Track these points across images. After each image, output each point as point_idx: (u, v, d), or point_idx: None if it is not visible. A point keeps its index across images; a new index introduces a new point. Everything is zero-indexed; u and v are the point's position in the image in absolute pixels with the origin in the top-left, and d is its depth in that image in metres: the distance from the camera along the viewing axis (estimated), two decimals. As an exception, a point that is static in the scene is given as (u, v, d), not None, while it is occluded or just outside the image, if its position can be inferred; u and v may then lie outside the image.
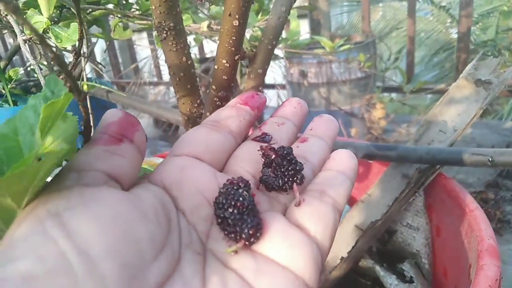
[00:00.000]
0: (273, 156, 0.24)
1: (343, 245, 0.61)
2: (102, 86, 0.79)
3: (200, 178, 0.24)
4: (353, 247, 0.59)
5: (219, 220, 0.22)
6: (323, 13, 1.73)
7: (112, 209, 0.18)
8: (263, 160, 0.25)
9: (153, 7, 0.39)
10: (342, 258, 0.59)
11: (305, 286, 0.21)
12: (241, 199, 0.21)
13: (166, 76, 2.36)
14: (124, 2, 0.73)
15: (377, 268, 0.60)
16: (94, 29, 0.81)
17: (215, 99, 0.32)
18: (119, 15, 0.70)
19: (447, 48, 3.73)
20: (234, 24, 0.28)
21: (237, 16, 0.28)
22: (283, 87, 2.05)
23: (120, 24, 0.78)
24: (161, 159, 0.78)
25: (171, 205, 0.22)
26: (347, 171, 0.27)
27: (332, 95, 1.71)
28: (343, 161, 0.27)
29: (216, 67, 0.30)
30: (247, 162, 0.27)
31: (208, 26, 0.65)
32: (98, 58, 2.52)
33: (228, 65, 0.30)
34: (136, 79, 2.21)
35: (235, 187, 0.22)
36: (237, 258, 0.21)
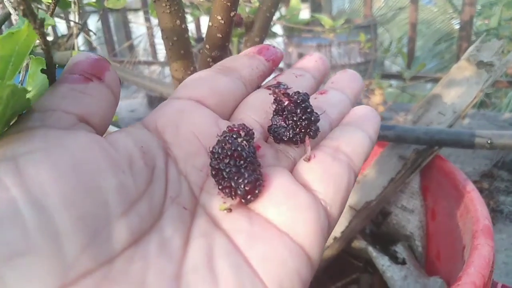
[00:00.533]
0: (286, 103, 0.21)
1: (336, 224, 0.60)
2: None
3: (199, 123, 0.21)
4: (346, 227, 0.58)
5: (214, 172, 0.19)
6: (324, -5, 1.70)
7: (76, 155, 0.16)
8: (274, 106, 0.22)
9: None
10: (335, 238, 0.59)
11: (305, 257, 0.18)
12: (239, 149, 0.19)
13: (161, 55, 2.32)
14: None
15: (370, 249, 0.60)
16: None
17: (208, 59, 0.31)
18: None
19: (447, 38, 3.70)
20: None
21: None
22: (280, 70, 2.03)
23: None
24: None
25: (159, 152, 0.20)
26: (368, 128, 0.24)
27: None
28: (365, 116, 0.25)
29: (210, 24, 0.29)
30: (257, 110, 0.24)
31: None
32: (92, 36, 2.47)
33: (223, 22, 0.28)
34: (131, 58, 2.18)
35: (234, 136, 0.19)
36: (230, 217, 0.19)
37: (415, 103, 2.24)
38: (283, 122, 0.22)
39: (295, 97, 0.21)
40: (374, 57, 0.97)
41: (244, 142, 0.19)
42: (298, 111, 0.21)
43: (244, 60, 0.26)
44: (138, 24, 2.27)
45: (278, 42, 1.54)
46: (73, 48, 0.74)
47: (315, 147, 0.22)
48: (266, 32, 0.46)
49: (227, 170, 0.18)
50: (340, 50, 1.51)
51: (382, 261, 0.56)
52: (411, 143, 0.59)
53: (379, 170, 0.62)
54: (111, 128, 0.76)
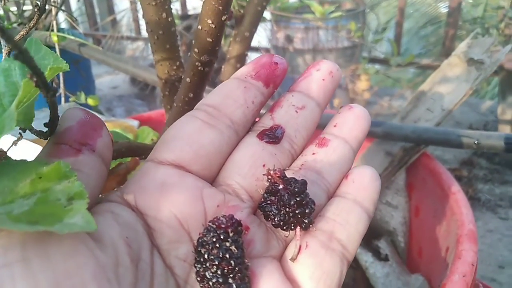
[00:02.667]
0: (281, 187, 0.19)
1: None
2: (75, 39, 0.74)
3: (181, 203, 0.19)
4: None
5: (199, 278, 0.18)
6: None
7: (57, 268, 0.14)
8: (268, 182, 0.20)
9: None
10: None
11: None
12: (227, 256, 0.17)
13: (145, 31, 2.25)
14: None
15: (353, 244, 0.60)
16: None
17: (197, 63, 0.29)
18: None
19: (434, 22, 3.70)
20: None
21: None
22: (267, 51, 2.00)
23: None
24: (135, 122, 0.74)
25: (144, 241, 0.18)
26: (365, 202, 0.22)
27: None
28: (363, 186, 0.22)
29: (199, 27, 0.27)
30: (246, 174, 0.21)
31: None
32: (73, 7, 2.37)
33: (213, 26, 0.26)
34: (113, 33, 2.10)
35: (222, 236, 0.17)
36: None
37: (399, 87, 2.25)
38: (275, 206, 0.20)
39: (291, 186, 0.19)
40: (362, 42, 0.96)
41: (233, 246, 0.17)
42: (292, 202, 0.19)
43: (237, 94, 0.22)
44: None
45: (265, 24, 1.50)
46: (52, 29, 0.71)
47: (308, 229, 0.21)
48: (256, 26, 0.44)
49: (213, 280, 0.17)
50: (328, 37, 1.49)
51: (366, 257, 0.56)
52: (398, 141, 0.58)
53: (366, 165, 0.62)
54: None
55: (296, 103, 0.24)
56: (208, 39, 0.27)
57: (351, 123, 0.24)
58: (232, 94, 0.23)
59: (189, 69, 0.30)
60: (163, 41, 0.39)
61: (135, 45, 2.23)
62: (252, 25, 0.43)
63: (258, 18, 0.43)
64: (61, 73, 0.76)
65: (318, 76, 0.24)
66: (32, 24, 0.27)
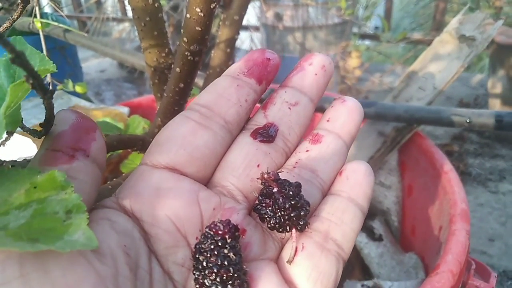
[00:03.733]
0: (275, 190, 0.19)
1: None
2: (59, 25, 0.71)
3: (177, 206, 0.19)
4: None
5: (197, 285, 0.18)
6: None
7: (56, 283, 0.14)
8: (262, 185, 0.20)
9: None
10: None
11: None
12: (226, 263, 0.17)
13: (131, 12, 2.19)
14: None
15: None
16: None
17: (186, 53, 0.28)
18: None
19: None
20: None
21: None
22: (256, 29, 1.96)
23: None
24: (125, 108, 0.73)
25: (142, 248, 0.18)
26: (360, 199, 0.22)
27: (307, 41, 1.65)
28: (358, 182, 0.22)
29: (188, 16, 0.26)
30: (240, 174, 0.21)
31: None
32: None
33: (202, 14, 0.25)
34: (99, 14, 2.04)
35: (219, 243, 0.17)
36: None
37: (390, 63, 2.23)
38: (270, 208, 0.20)
39: (285, 189, 0.19)
40: (352, 20, 0.95)
41: (231, 253, 0.17)
42: (287, 206, 0.19)
43: (230, 93, 0.22)
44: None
45: (255, 3, 1.47)
46: (35, 15, 0.68)
47: (304, 230, 0.21)
48: (246, 9, 0.43)
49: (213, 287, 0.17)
50: (318, 14, 1.46)
51: (360, 238, 0.57)
52: (391, 121, 0.58)
53: (358, 146, 0.62)
54: (84, 103, 0.71)
55: (289, 100, 0.23)
56: (197, 28, 0.26)
57: (344, 117, 0.24)
58: (225, 93, 0.22)
59: (179, 59, 0.29)
60: (151, 28, 0.38)
61: (121, 27, 2.17)
62: (241, 8, 0.42)
63: (247, 1, 0.42)
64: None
65: (311, 71, 0.24)
66: (16, 16, 0.26)
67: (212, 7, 0.25)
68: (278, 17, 1.56)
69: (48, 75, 0.72)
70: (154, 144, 0.21)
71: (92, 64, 2.49)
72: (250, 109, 0.23)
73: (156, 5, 0.37)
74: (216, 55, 0.44)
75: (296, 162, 0.23)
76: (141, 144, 0.35)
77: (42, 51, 0.71)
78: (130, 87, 2.19)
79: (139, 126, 0.49)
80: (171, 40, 1.67)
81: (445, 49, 0.63)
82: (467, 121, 0.54)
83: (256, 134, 0.22)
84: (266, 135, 0.22)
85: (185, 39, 0.27)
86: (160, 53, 0.40)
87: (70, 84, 0.73)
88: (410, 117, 0.56)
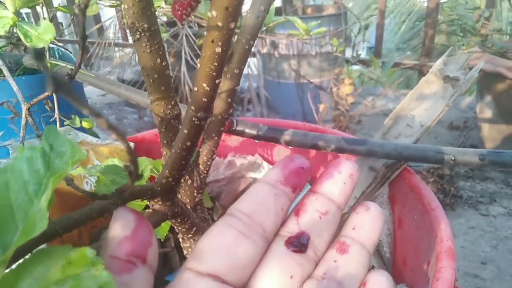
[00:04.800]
0: None
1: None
2: (67, 65, 0.75)
3: None
4: (320, 238, 0.62)
5: None
6: (296, -18, 1.69)
7: None
8: None
9: (126, 7, 0.36)
10: (310, 248, 0.62)
11: None
12: None
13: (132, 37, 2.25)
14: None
15: (342, 255, 0.63)
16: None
17: (193, 118, 0.31)
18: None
19: (418, 19, 3.76)
20: (217, 51, 0.27)
21: (220, 43, 0.26)
22: (253, 55, 2.02)
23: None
24: (131, 144, 0.76)
25: None
26: None
27: (302, 68, 1.71)
28: None
29: (196, 89, 0.29)
30: (275, 286, 0.22)
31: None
32: (60, 16, 2.35)
33: (208, 88, 0.29)
34: (101, 40, 2.10)
35: None
36: None
37: (381, 87, 2.30)
38: None
39: None
40: (344, 56, 1.00)
41: None
42: None
43: (269, 202, 0.24)
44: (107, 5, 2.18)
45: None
46: (45, 55, 0.72)
47: None
48: (245, 63, 0.46)
49: None
50: (312, 42, 1.52)
51: (354, 270, 0.60)
52: (381, 158, 0.62)
53: (351, 181, 0.66)
54: (90, 139, 0.74)
55: (320, 208, 0.25)
56: (203, 99, 0.30)
57: (368, 226, 0.26)
58: (264, 202, 0.24)
59: (186, 123, 0.32)
60: (158, 84, 0.42)
61: (123, 52, 2.22)
62: (241, 63, 0.46)
63: (246, 56, 0.46)
64: (55, 98, 0.77)
65: (340, 179, 0.26)
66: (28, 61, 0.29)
67: (217, 82, 0.29)
68: (274, 45, 1.61)
69: (56, 111, 0.75)
70: (198, 251, 0.23)
71: (94, 88, 2.53)
72: (284, 217, 0.25)
73: (163, 63, 0.41)
74: (218, 104, 0.48)
75: (325, 273, 0.24)
76: (150, 194, 0.38)
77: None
78: (131, 111, 2.22)
79: (147, 169, 0.52)
80: (172, 67, 1.72)
81: (430, 88, 0.67)
82: (452, 159, 0.57)
83: (289, 243, 0.24)
84: (299, 244, 0.24)
85: (192, 107, 0.31)
86: (167, 105, 0.44)
87: (77, 120, 0.76)
88: (399, 155, 0.59)
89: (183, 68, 1.64)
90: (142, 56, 0.40)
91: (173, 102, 0.44)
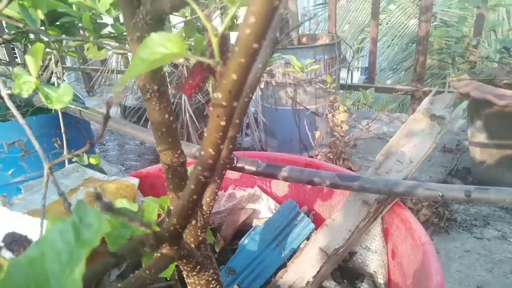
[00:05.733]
0: None
1: (308, 266, 0.67)
2: (77, 107, 0.79)
3: None
4: (318, 272, 0.65)
5: None
6: (291, 13, 1.75)
7: None
8: None
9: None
10: (308, 282, 0.65)
11: None
12: None
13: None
14: (98, 21, 0.72)
15: None
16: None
17: (200, 176, 0.35)
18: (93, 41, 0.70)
19: (410, 42, 3.87)
20: (221, 124, 0.31)
21: (224, 118, 0.31)
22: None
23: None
24: (135, 180, 0.80)
25: None
26: None
27: (298, 95, 1.76)
28: None
29: (202, 153, 0.33)
30: None
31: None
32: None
33: (213, 153, 0.33)
34: (104, 68, 2.16)
35: None
36: None
37: (375, 111, 2.35)
38: None
39: None
40: (337, 92, 1.05)
41: None
42: None
43: None
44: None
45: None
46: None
47: None
48: (245, 113, 0.51)
49: None
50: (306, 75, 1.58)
51: (350, 301, 0.63)
52: (373, 193, 0.66)
53: (345, 214, 0.69)
54: (98, 175, 0.78)
55: None
56: (209, 161, 0.34)
57: None
58: None
59: (193, 179, 0.36)
60: (166, 136, 0.46)
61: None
62: (241, 113, 0.50)
63: (246, 108, 0.50)
64: (63, 135, 0.81)
65: None
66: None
67: (221, 147, 0.33)
68: (271, 74, 1.67)
69: (65, 149, 0.79)
70: None
71: (91, 114, 2.58)
72: None
73: (171, 118, 0.45)
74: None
75: None
76: (159, 241, 0.42)
77: (60, 127, 0.78)
78: (133, 139, 2.26)
79: (154, 211, 0.55)
80: (173, 95, 1.77)
81: (418, 126, 0.71)
82: (440, 195, 0.61)
83: None
84: None
85: (199, 167, 0.34)
86: (174, 154, 0.48)
87: (85, 158, 0.80)
88: (389, 191, 0.63)
89: (184, 96, 1.69)
90: (152, 113, 0.45)
91: (179, 151, 0.48)
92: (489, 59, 1.69)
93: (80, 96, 1.03)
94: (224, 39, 0.31)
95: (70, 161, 0.79)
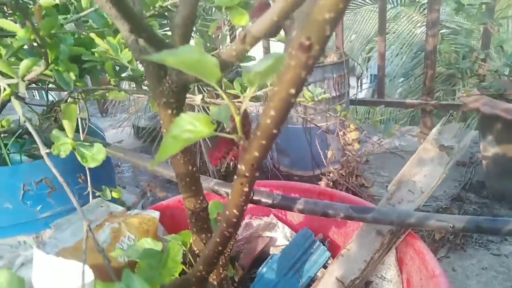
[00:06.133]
0: None
1: (326, 297, 0.69)
2: (100, 144, 0.83)
3: None
4: (335, 303, 0.67)
5: None
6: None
7: None
8: None
9: (164, 130, 0.44)
10: (326, 312, 0.67)
11: None
12: None
13: (145, 86, 2.36)
14: (118, 68, 0.77)
15: (356, 315, 0.69)
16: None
17: (224, 232, 0.39)
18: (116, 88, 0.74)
19: (419, 50, 3.87)
20: (244, 190, 0.34)
21: (247, 185, 0.34)
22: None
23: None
24: (156, 213, 0.83)
25: None
26: None
27: (308, 113, 1.79)
28: None
29: (227, 213, 0.37)
30: None
31: (202, 99, 0.71)
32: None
33: (237, 213, 0.36)
34: (118, 89, 2.21)
35: None
36: None
37: (386, 125, 2.37)
38: None
39: None
40: (347, 120, 1.08)
41: None
42: None
43: None
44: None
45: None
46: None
47: None
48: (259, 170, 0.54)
49: None
50: (316, 85, 1.61)
51: (368, 331, 0.65)
52: (386, 224, 0.68)
53: (360, 244, 0.72)
54: (120, 209, 0.81)
55: None
56: (233, 220, 0.37)
57: None
58: None
59: (218, 234, 0.39)
60: (190, 185, 0.50)
61: (137, 98, 2.33)
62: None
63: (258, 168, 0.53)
64: (87, 171, 0.85)
65: None
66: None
67: (244, 208, 0.36)
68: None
69: (89, 184, 0.83)
70: None
71: (111, 134, 2.64)
72: None
73: (194, 169, 0.49)
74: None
75: None
76: (186, 285, 0.45)
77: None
78: (147, 158, 2.30)
79: (179, 254, 0.58)
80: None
81: (428, 155, 0.74)
82: (451, 226, 0.63)
83: None
84: None
85: (224, 224, 0.38)
86: (196, 201, 0.51)
87: (108, 192, 0.84)
88: (401, 222, 0.66)
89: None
90: (177, 165, 0.48)
91: (201, 198, 0.52)
92: (498, 73, 1.70)
93: (101, 132, 1.08)
94: (245, 115, 0.34)
95: (94, 195, 0.83)
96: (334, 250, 0.83)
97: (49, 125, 0.98)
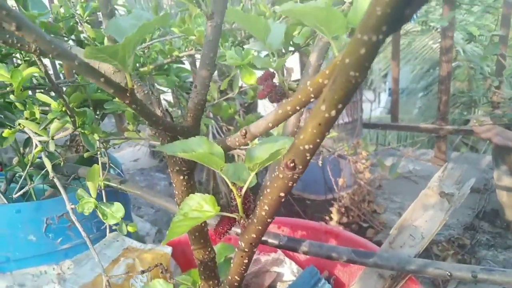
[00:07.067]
0: None
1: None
2: (117, 180, 0.89)
3: None
4: None
5: None
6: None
7: None
8: None
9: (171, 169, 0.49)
10: None
11: None
12: None
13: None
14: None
15: None
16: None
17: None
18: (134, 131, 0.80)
19: (431, 67, 3.85)
20: (244, 262, 0.38)
21: (246, 258, 0.38)
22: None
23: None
24: (168, 248, 0.88)
25: None
26: None
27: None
28: None
29: (230, 278, 0.41)
30: None
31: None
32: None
33: (238, 279, 0.40)
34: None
35: None
36: None
37: (398, 145, 2.38)
38: None
39: None
40: (362, 152, 1.11)
41: None
42: None
43: None
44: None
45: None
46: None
47: None
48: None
49: None
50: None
51: None
52: (387, 269, 0.71)
53: (362, 286, 0.74)
54: (135, 244, 0.86)
55: None
56: (235, 284, 0.41)
57: None
58: None
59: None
60: (199, 238, 0.54)
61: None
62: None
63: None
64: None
65: None
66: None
67: (244, 275, 0.40)
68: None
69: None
70: None
71: (127, 152, 2.72)
72: None
73: (202, 225, 0.53)
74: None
75: None
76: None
77: (102, 196, 0.87)
78: (162, 178, 2.37)
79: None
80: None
81: (429, 201, 0.76)
82: (448, 274, 0.66)
83: None
84: None
85: (227, 287, 0.42)
86: (205, 252, 0.56)
87: (123, 227, 0.89)
88: (402, 268, 0.68)
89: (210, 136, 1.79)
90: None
91: (209, 249, 0.56)
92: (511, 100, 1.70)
93: (119, 166, 1.14)
94: (246, 196, 0.38)
95: (110, 230, 0.89)
96: (339, 287, 0.86)
97: (70, 155, 1.05)
